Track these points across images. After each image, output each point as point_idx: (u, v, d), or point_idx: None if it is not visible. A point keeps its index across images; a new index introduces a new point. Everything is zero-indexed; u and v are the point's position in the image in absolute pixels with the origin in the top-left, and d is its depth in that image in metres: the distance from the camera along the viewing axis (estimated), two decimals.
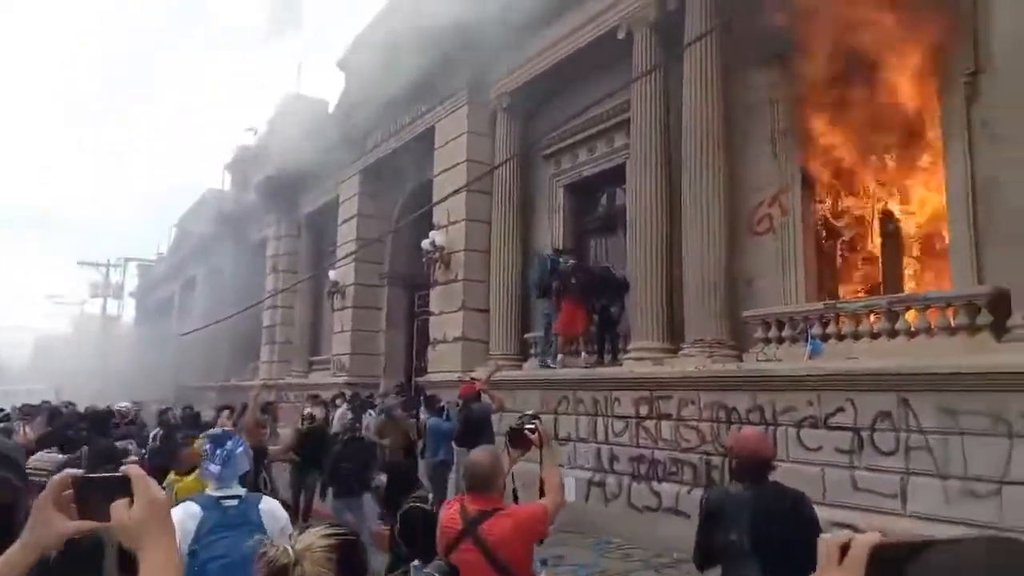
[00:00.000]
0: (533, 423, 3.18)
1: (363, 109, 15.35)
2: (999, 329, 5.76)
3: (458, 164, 12.20)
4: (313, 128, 17.22)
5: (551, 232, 11.47)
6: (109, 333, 38.22)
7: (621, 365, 8.81)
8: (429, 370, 12.27)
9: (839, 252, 8.14)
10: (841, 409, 6.32)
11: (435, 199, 12.52)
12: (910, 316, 6.51)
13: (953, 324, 6.21)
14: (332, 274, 15.55)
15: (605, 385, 8.77)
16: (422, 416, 9.77)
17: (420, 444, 8.79)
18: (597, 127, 10.65)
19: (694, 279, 8.14)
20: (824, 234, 8.19)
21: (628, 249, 9.20)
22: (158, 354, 28.86)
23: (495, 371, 9.41)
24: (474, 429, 8.15)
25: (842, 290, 8.04)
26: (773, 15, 7.81)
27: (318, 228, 18.55)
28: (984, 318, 5.99)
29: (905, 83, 7.21)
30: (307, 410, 13.91)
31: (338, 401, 12.78)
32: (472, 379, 9.17)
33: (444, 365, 11.77)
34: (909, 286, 7.40)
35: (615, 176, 10.42)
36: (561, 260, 9.82)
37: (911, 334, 6.47)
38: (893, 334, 6.58)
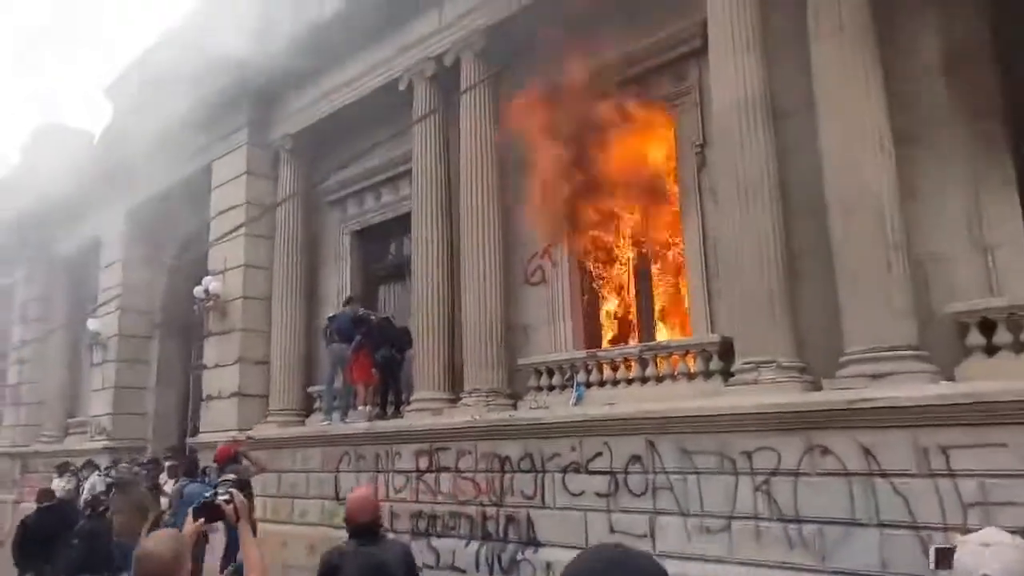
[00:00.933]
0: (228, 493, 2.86)
1: (131, 143, 13.96)
2: (727, 374, 6.42)
3: (236, 206, 11.47)
4: (74, 161, 15.40)
5: (338, 279, 11.11)
6: None
7: (402, 417, 8.63)
8: (202, 430, 11.20)
9: (601, 301, 8.70)
10: (600, 454, 6.65)
11: (211, 242, 11.68)
12: (659, 363, 7.06)
13: (692, 370, 6.83)
14: (91, 323, 13.80)
15: (386, 439, 8.53)
16: (167, 483, 8.83)
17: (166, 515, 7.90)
18: (384, 174, 10.59)
19: (472, 328, 8.25)
20: (591, 284, 8.71)
21: (412, 298, 9.13)
22: None
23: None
24: None
25: (606, 339, 8.58)
26: (531, 79, 8.35)
27: (77, 273, 16.42)
28: (716, 364, 6.65)
29: (650, 149, 7.99)
30: (54, 482, 12.13)
31: (84, 472, 11.26)
32: (233, 440, 8.50)
33: (219, 424, 10.81)
34: (660, 335, 8.07)
35: (402, 224, 10.36)
36: (362, 311, 9.51)
37: (659, 380, 7.02)
38: (644, 380, 7.09)
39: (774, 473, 5.61)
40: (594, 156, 8.21)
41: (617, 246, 8.59)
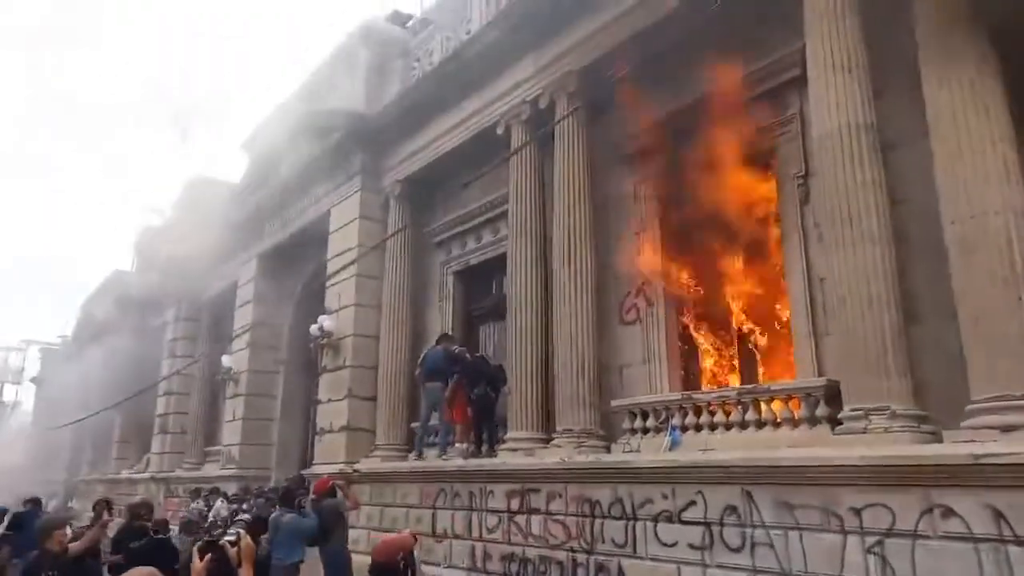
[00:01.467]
0: (236, 534, 2.91)
1: (262, 192, 15.23)
2: (835, 422, 5.89)
3: (350, 249, 12.11)
4: (216, 210, 16.96)
5: (441, 318, 11.39)
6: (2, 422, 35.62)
7: (496, 456, 8.60)
8: (315, 461, 11.73)
9: (700, 343, 8.31)
10: (693, 503, 6.26)
11: (327, 283, 12.38)
12: (759, 408, 6.61)
13: (796, 416, 6.33)
14: (225, 359, 14.95)
15: (479, 477, 8.52)
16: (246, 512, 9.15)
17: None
18: (484, 216, 10.82)
19: (564, 367, 8.13)
20: (688, 325, 8.37)
21: (508, 337, 9.16)
22: (51, 445, 26.95)
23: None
24: (325, 527, 7.75)
25: (704, 381, 8.17)
26: (626, 118, 8.27)
27: (218, 313, 17.93)
28: (822, 410, 6.13)
29: (751, 183, 7.62)
30: (192, 504, 13.12)
31: (212, 498, 12.07)
32: (330, 475, 8.79)
33: (329, 456, 11.28)
34: (763, 379, 7.57)
35: (501, 264, 10.47)
36: (457, 348, 9.68)
37: (760, 425, 6.55)
38: (744, 426, 6.65)
39: (888, 534, 5.03)
40: (693, 191, 7.95)
41: (719, 286, 8.20)
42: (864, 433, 5.38)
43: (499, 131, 9.89)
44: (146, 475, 18.04)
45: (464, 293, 11.47)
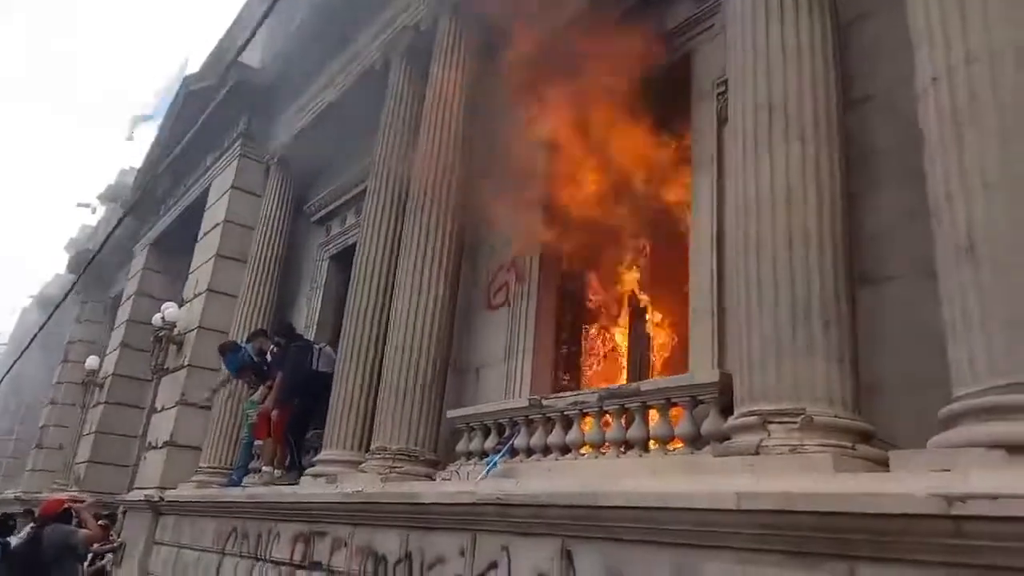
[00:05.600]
0: None
1: (160, 171, 13.20)
2: (724, 437, 3.45)
3: (217, 225, 9.96)
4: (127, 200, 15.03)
5: (307, 310, 9.10)
6: None
7: (298, 483, 6.16)
8: (136, 485, 9.29)
9: (583, 338, 5.88)
10: (494, 566, 3.78)
11: (190, 269, 10.22)
12: (628, 418, 4.17)
13: (677, 430, 3.90)
14: (91, 361, 12.66)
15: (269, 512, 6.06)
16: None
17: None
18: (365, 184, 8.62)
19: (392, 363, 5.75)
20: (573, 311, 5.97)
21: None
22: None
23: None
24: (42, 561, 5.38)
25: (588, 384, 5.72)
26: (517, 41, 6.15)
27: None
28: (713, 421, 3.70)
29: (654, 109, 5.37)
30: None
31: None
32: (69, 496, 6.42)
33: (148, 479, 8.84)
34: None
35: None
36: (276, 346, 7.36)
37: (622, 445, 4.12)
38: (601, 445, 4.23)
39: None
40: (586, 132, 5.73)
41: (618, 252, 5.83)
42: (755, 454, 2.95)
43: (377, 67, 7.79)
44: (10, 495, 15.55)
45: (341, 280, 9.16)
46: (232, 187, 9.99)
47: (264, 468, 6.76)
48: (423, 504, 4.23)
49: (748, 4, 3.74)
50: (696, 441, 3.78)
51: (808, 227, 3.25)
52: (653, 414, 4.06)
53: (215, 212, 10.26)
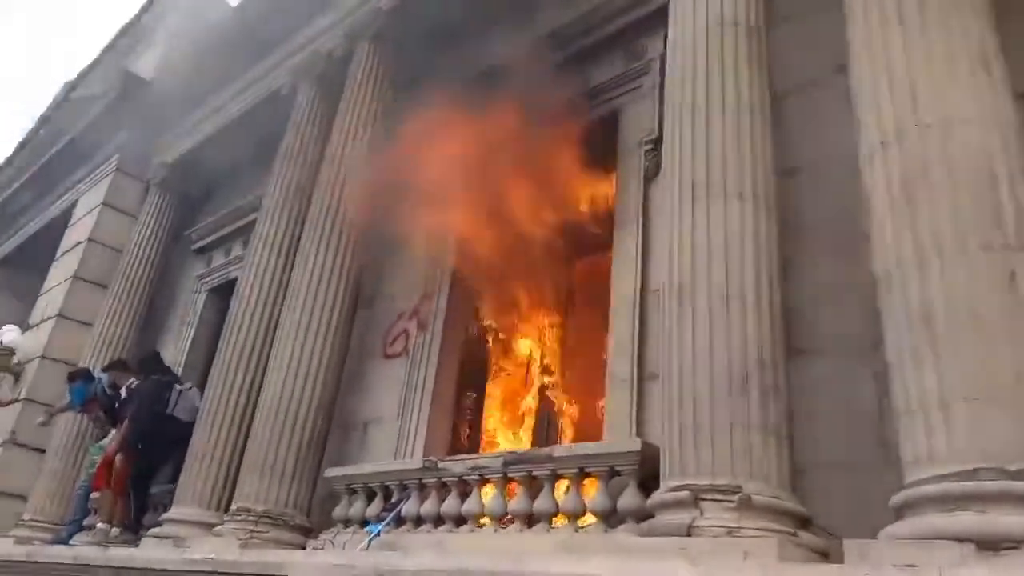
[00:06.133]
0: None
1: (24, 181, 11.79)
2: (645, 515, 3.09)
3: (79, 243, 8.85)
4: None
5: (175, 347, 8.13)
6: None
7: (136, 545, 5.21)
8: None
9: (486, 397, 5.45)
10: None
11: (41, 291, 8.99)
12: (535, 487, 3.74)
13: (591, 504, 3.50)
14: None
15: None
16: None
17: None
18: (255, 214, 7.92)
19: (264, 413, 5.05)
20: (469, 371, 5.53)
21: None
22: None
23: None
24: None
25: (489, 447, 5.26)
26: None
27: None
28: (632, 495, 3.33)
29: (581, 160, 5.19)
30: None
31: None
32: None
33: None
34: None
35: None
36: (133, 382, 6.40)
37: (528, 519, 3.67)
38: (502, 518, 3.76)
39: None
40: (502, 176, 5.45)
41: (524, 307, 5.50)
42: (687, 536, 2.59)
43: (284, 91, 7.27)
44: None
45: (218, 318, 8.28)
46: (103, 204, 8.96)
47: (99, 525, 5.71)
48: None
49: (689, 58, 3.61)
50: (610, 517, 3.39)
51: (745, 287, 3.04)
52: (564, 484, 3.66)
53: (78, 230, 9.15)
